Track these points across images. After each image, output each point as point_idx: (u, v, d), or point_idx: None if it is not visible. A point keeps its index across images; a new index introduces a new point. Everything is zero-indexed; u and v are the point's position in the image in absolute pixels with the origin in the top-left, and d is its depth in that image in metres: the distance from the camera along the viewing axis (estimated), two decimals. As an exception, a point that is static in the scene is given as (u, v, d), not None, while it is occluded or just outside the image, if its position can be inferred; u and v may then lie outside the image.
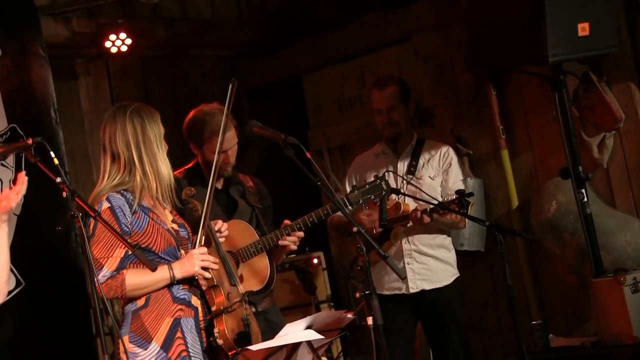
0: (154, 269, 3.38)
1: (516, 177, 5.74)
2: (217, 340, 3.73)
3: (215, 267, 3.74)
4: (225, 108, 3.96)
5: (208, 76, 6.78)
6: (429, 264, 4.96)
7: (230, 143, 4.35)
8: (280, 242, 4.30)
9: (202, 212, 3.86)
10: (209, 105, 4.52)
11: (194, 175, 4.49)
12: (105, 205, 3.58)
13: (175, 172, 3.70)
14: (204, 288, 3.81)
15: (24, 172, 3.31)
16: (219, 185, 4.55)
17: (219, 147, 4.00)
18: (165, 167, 3.68)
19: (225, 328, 3.76)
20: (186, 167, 4.55)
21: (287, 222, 4.34)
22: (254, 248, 4.31)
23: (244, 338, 3.77)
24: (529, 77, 5.48)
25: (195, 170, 4.54)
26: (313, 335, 3.58)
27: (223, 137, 4.02)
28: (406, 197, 4.87)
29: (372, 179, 4.39)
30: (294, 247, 4.36)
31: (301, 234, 4.34)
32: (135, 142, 3.62)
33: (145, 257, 3.39)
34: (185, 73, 6.71)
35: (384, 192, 4.36)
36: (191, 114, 4.51)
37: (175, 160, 3.91)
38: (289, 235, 4.30)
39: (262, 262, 4.35)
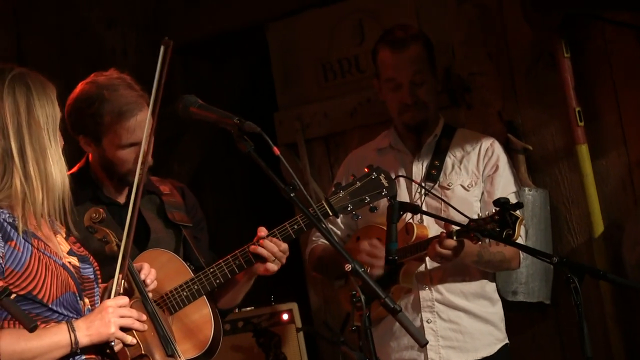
0: (31, 329, 3.37)
1: (601, 187, 5.77)
2: None
3: (143, 327, 3.75)
4: (155, 85, 3.95)
5: (117, 25, 6.82)
6: (460, 323, 5.03)
7: (143, 131, 4.23)
8: (253, 250, 4.36)
9: (118, 246, 3.88)
10: (104, 74, 4.54)
11: (82, 186, 4.45)
12: (-39, 227, 3.58)
13: None
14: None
15: None
16: (122, 199, 4.59)
17: (144, 145, 4.00)
18: (58, 170, 3.68)
19: None
20: (69, 172, 4.54)
21: (262, 229, 4.40)
22: (186, 291, 4.37)
23: None
24: (621, 30, 5.54)
25: (84, 179, 4.54)
26: None
27: (154, 121, 4.00)
28: (423, 217, 4.94)
29: (366, 172, 4.45)
30: (271, 264, 4.38)
31: (284, 246, 4.39)
32: (16, 124, 3.62)
33: (20, 311, 3.35)
34: (81, 21, 6.73)
35: (384, 192, 4.43)
36: (77, 90, 4.53)
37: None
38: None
39: (201, 314, 4.40)
